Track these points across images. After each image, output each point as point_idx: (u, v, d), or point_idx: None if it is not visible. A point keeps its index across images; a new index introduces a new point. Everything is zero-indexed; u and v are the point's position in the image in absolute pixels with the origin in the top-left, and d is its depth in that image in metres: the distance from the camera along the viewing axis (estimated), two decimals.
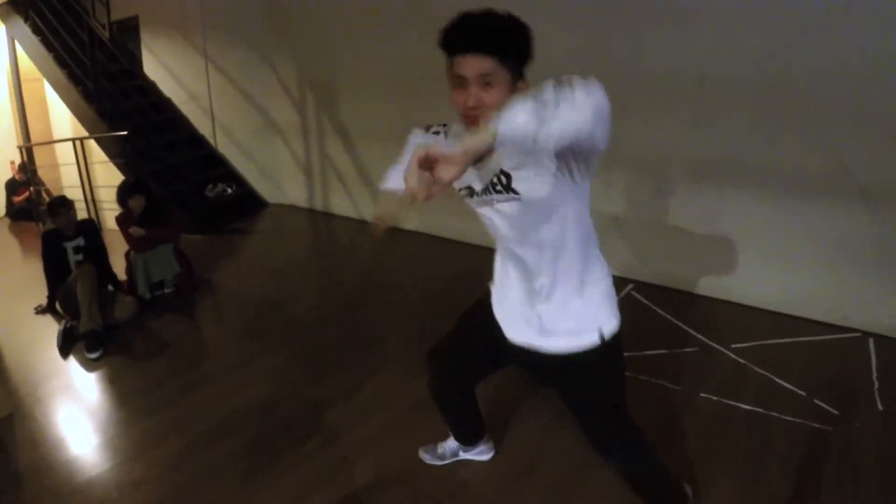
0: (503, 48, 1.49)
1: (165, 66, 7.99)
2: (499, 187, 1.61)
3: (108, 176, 7.39)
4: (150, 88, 7.96)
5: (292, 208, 7.38)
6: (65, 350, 4.10)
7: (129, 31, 8.26)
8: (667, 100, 4.10)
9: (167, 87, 8.01)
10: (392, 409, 3.19)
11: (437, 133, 1.81)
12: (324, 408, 3.24)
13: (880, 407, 3.07)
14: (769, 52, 3.67)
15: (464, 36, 1.50)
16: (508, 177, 1.59)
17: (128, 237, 4.61)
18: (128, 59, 8.15)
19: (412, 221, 5.99)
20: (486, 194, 1.67)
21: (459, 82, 1.53)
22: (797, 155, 3.73)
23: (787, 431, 2.88)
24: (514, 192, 1.59)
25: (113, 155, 7.05)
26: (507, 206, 1.65)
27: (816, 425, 2.91)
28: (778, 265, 4.01)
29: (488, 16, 1.48)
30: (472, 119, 1.55)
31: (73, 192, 7.26)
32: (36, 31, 7.88)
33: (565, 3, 4.32)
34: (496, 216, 1.71)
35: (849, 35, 3.42)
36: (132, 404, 3.42)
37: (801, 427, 2.90)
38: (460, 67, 1.51)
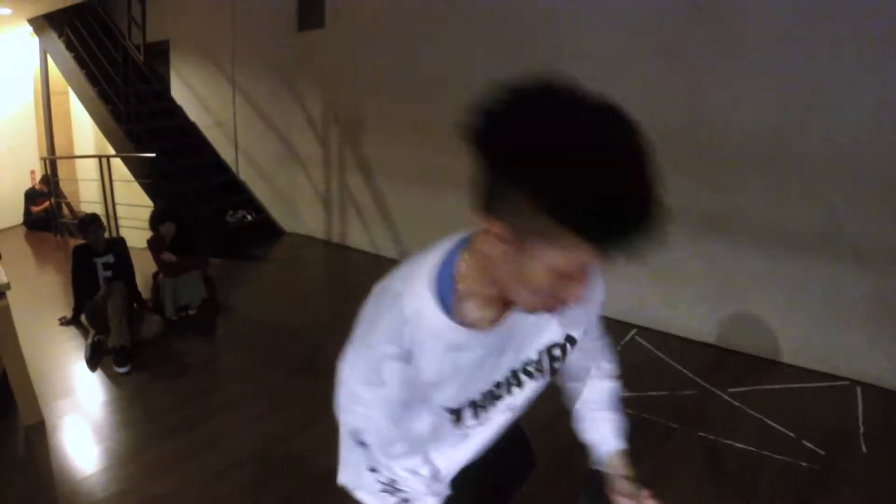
0: None
1: (192, 91, 8.20)
2: (558, 354, 1.27)
3: (128, 194, 7.56)
4: (177, 111, 8.18)
5: (309, 238, 7.49)
6: (93, 362, 4.22)
7: (158, 55, 8.50)
8: (679, 157, 4.29)
9: (193, 111, 8.21)
10: None
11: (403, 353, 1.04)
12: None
13: (864, 450, 3.27)
14: (775, 119, 3.93)
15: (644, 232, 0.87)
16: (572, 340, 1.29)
17: (158, 261, 4.78)
18: (157, 82, 8.36)
19: None
20: (540, 370, 1.26)
21: (581, 271, 0.93)
22: (797, 214, 3.96)
23: (777, 469, 3.08)
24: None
25: (138, 175, 7.26)
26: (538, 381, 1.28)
27: (804, 464, 3.11)
28: (773, 316, 4.22)
29: None
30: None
31: (92, 207, 7.44)
32: (69, 47, 8.10)
33: (593, 58, 4.56)
34: (520, 396, 1.27)
35: (849, 107, 3.68)
36: (158, 421, 3.51)
37: (790, 465, 3.10)
38: (601, 258, 0.89)
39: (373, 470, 1.11)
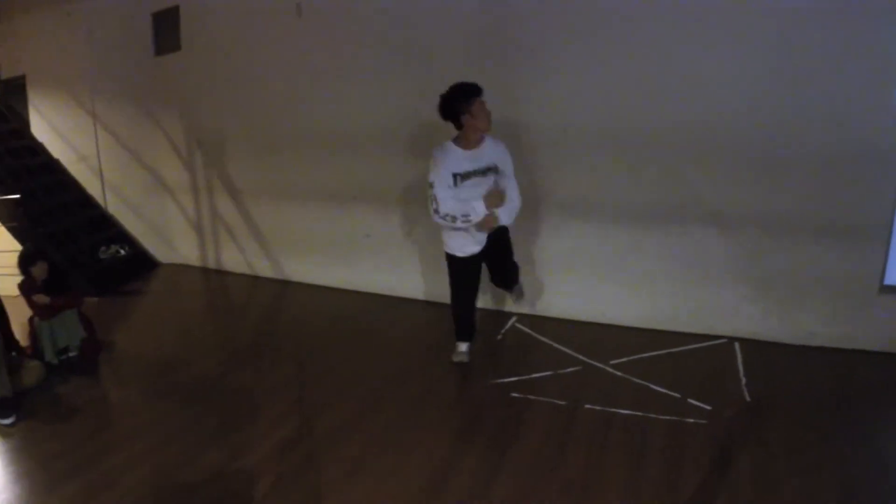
0: None
1: (53, 127, 7.84)
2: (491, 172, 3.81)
3: None
4: (38, 149, 7.79)
5: (185, 267, 7.35)
6: None
7: (15, 91, 8.10)
8: (532, 150, 4.56)
9: (55, 147, 7.84)
10: (304, 448, 3.34)
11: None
12: (239, 457, 3.30)
13: (748, 398, 3.54)
14: (626, 105, 4.21)
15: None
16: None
17: (32, 304, 4.55)
18: (16, 120, 7.95)
19: (298, 274, 6.25)
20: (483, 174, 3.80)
21: (484, 109, 3.70)
22: (654, 189, 4.24)
23: (665, 429, 3.27)
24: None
25: (4, 219, 6.84)
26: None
27: (691, 420, 3.33)
28: (644, 287, 4.48)
29: None
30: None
31: None
32: None
33: (453, 58, 4.79)
34: (484, 182, 3.79)
35: (694, 90, 4.02)
36: (52, 468, 3.35)
37: (677, 423, 3.31)
38: (482, 101, 3.72)
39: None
